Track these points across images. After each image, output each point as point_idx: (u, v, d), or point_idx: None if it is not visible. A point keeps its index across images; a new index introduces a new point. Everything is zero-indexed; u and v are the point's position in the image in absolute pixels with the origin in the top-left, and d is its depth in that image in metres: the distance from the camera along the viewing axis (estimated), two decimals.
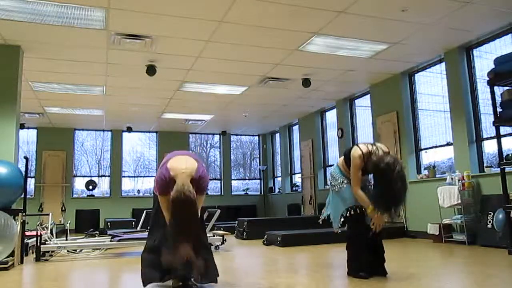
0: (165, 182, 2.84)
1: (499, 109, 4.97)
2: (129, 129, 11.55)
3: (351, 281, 3.37)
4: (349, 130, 9.00)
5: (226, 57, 6.33)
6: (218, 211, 6.28)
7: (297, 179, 11.58)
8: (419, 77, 7.24)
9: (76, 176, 11.66)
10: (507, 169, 4.95)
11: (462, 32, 5.65)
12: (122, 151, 11.94)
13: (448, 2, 4.74)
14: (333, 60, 6.55)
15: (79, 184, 11.62)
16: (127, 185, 12.17)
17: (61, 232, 7.51)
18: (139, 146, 12.45)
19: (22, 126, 10.20)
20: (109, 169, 11.78)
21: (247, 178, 13.74)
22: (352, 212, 3.49)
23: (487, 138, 5.95)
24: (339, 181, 3.62)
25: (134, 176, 12.32)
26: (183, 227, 2.62)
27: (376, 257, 3.51)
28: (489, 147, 6.01)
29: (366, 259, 3.45)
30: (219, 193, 12.71)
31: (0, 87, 5.53)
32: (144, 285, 3.03)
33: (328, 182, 3.88)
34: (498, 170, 5.06)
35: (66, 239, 6.14)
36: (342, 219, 3.54)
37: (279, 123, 11.81)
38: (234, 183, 13.22)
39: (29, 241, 5.62)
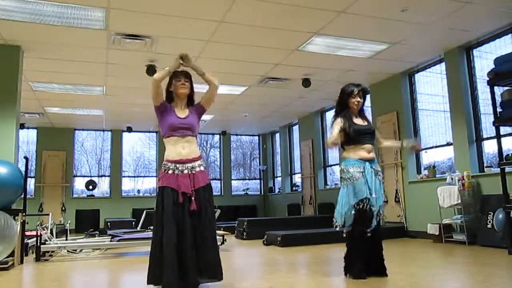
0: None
1: (499, 109, 4.98)
2: (129, 129, 11.54)
3: (351, 281, 3.36)
4: None
5: (226, 57, 6.32)
6: (218, 211, 6.30)
7: (297, 179, 11.56)
8: (419, 77, 7.23)
9: (76, 176, 11.66)
10: (507, 169, 4.95)
11: (462, 32, 5.65)
12: (122, 151, 11.93)
13: (448, 2, 4.73)
14: (333, 60, 6.54)
15: (79, 184, 11.62)
16: (127, 185, 12.18)
17: (61, 232, 7.50)
18: (139, 146, 12.46)
19: (22, 126, 10.19)
20: (109, 169, 11.77)
21: (247, 178, 13.74)
22: (361, 206, 3.37)
23: (487, 138, 5.95)
24: (351, 174, 3.46)
25: (134, 176, 12.32)
26: None
27: (376, 256, 3.49)
28: (489, 147, 6.01)
29: (366, 258, 3.42)
30: (219, 193, 12.69)
31: (0, 87, 5.53)
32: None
33: (339, 177, 3.65)
34: (498, 170, 5.06)
35: (66, 239, 6.13)
36: (353, 212, 3.37)
37: (279, 123, 11.80)
38: (234, 183, 13.22)
39: (29, 241, 5.61)
